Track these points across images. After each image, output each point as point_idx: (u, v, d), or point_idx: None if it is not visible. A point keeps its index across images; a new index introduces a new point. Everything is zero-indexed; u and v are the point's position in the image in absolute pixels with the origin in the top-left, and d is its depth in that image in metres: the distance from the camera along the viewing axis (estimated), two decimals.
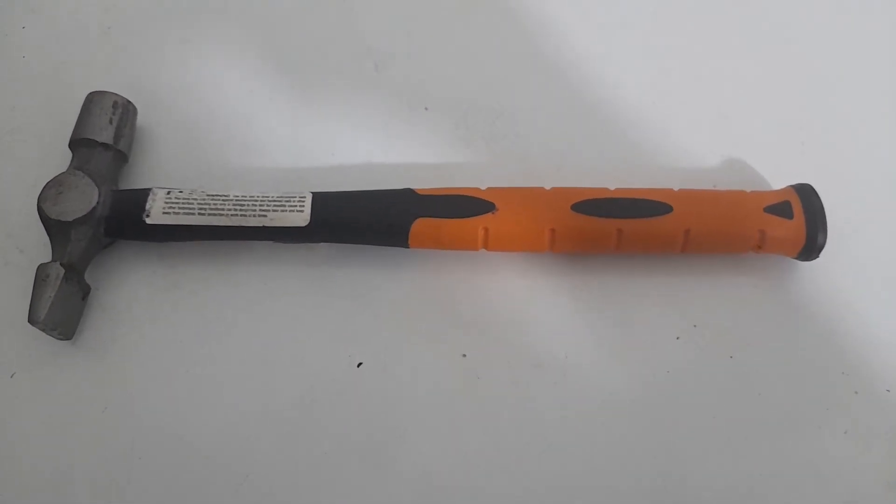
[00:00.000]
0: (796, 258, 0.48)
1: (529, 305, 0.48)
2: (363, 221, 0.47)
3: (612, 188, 0.48)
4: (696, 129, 0.54)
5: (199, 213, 0.46)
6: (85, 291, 0.47)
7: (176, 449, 0.44)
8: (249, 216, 0.46)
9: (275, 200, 0.47)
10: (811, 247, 0.47)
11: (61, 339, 0.46)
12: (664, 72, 0.57)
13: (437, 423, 0.45)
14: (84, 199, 0.46)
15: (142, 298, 0.48)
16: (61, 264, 0.44)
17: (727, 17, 0.59)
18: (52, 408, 0.45)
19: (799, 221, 0.47)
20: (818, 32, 0.59)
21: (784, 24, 0.59)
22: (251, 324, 0.48)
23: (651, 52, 0.58)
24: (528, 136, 0.54)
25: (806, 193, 0.48)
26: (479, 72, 0.57)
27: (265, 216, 0.46)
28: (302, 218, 0.46)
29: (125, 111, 0.51)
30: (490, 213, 0.46)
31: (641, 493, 0.44)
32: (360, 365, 0.47)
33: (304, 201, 0.47)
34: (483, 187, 0.48)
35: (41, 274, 0.44)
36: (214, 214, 0.46)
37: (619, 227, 0.46)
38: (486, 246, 0.47)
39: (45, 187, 0.46)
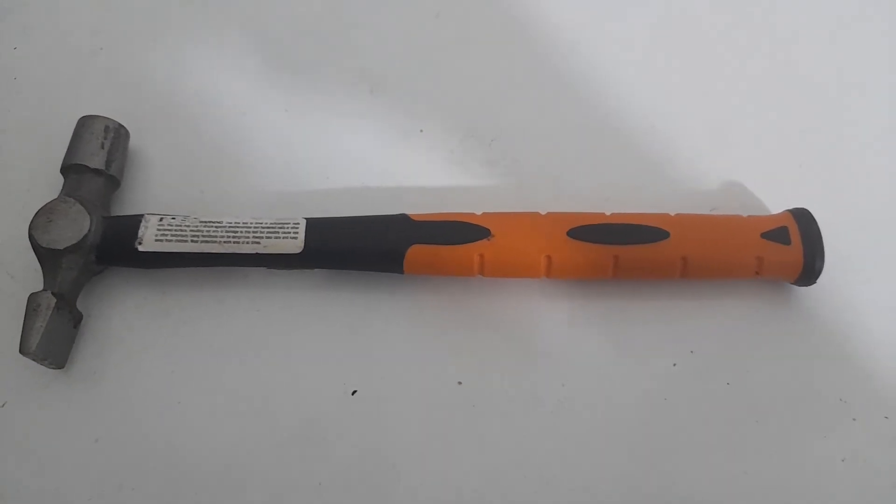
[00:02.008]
0: (794, 283, 0.48)
1: (525, 332, 0.48)
2: (358, 248, 0.47)
3: (609, 213, 0.48)
4: (693, 153, 0.54)
5: (192, 241, 0.46)
6: (77, 319, 0.47)
7: (168, 481, 0.44)
8: (243, 243, 0.46)
9: (268, 227, 0.46)
10: (809, 272, 0.47)
11: (53, 369, 0.46)
12: (662, 96, 0.57)
13: (432, 453, 0.45)
14: (75, 227, 0.46)
15: (134, 326, 0.48)
16: (52, 293, 0.44)
17: (724, 42, 0.59)
18: (43, 438, 0.45)
19: (796, 247, 0.47)
20: (816, 57, 0.59)
21: (782, 49, 0.59)
22: (245, 352, 0.48)
23: (649, 77, 0.58)
24: (524, 160, 0.54)
25: (803, 218, 0.48)
26: (475, 95, 0.57)
27: (259, 243, 0.46)
28: (296, 245, 0.46)
29: (117, 135, 0.51)
30: (485, 240, 0.46)
31: None
32: (354, 393, 0.46)
33: (297, 228, 0.47)
34: (478, 212, 0.48)
35: (32, 304, 0.44)
36: (207, 241, 0.46)
37: (616, 254, 0.46)
38: (481, 272, 0.47)
39: (36, 215, 0.46)
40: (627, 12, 0.60)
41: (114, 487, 0.44)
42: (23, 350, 0.43)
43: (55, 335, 0.44)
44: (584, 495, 0.44)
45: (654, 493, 0.44)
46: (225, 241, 0.46)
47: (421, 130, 0.55)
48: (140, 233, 0.46)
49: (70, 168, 0.49)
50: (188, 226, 0.46)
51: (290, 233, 0.46)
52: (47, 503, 0.44)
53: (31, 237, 0.45)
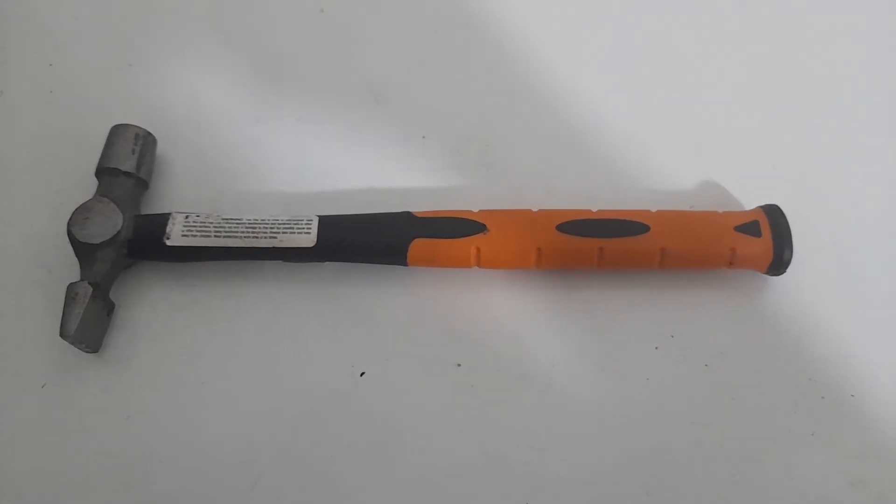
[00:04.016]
0: (765, 273, 0.51)
1: (518, 319, 0.51)
2: (365, 242, 0.49)
3: (595, 210, 0.50)
4: (673, 155, 0.57)
5: (216, 236, 0.49)
6: (110, 308, 0.49)
7: (192, 454, 0.47)
8: (261, 238, 0.49)
9: (284, 223, 0.49)
10: (778, 263, 0.49)
11: (88, 352, 0.48)
12: (643, 102, 0.59)
13: (433, 428, 0.48)
14: (109, 224, 0.48)
15: (161, 315, 0.50)
16: (89, 283, 0.47)
17: (702, 51, 0.62)
18: (79, 416, 0.48)
19: (767, 239, 0.49)
20: (787, 66, 0.61)
21: (754, 58, 0.62)
22: (262, 337, 0.50)
23: (631, 85, 0.60)
24: (516, 162, 0.56)
25: (773, 213, 0.50)
26: (472, 104, 0.59)
27: (275, 238, 0.49)
28: (309, 239, 0.49)
29: (146, 142, 0.53)
30: (482, 234, 0.49)
31: (622, 492, 0.46)
32: (362, 374, 0.49)
33: (311, 224, 0.49)
34: (475, 210, 0.50)
35: (71, 292, 0.46)
36: (229, 236, 0.49)
37: (601, 246, 0.49)
38: (478, 264, 0.50)
39: (74, 213, 0.48)
40: (610, 29, 0.62)
41: (143, 460, 0.46)
42: (62, 334, 0.45)
43: (91, 321, 0.47)
44: (571, 466, 0.47)
45: (635, 465, 0.47)
46: (245, 236, 0.49)
47: (423, 137, 0.57)
48: (168, 229, 0.49)
49: (104, 171, 0.51)
50: (211, 222, 0.49)
51: (303, 228, 0.49)
52: (83, 474, 0.46)
53: (69, 233, 0.48)
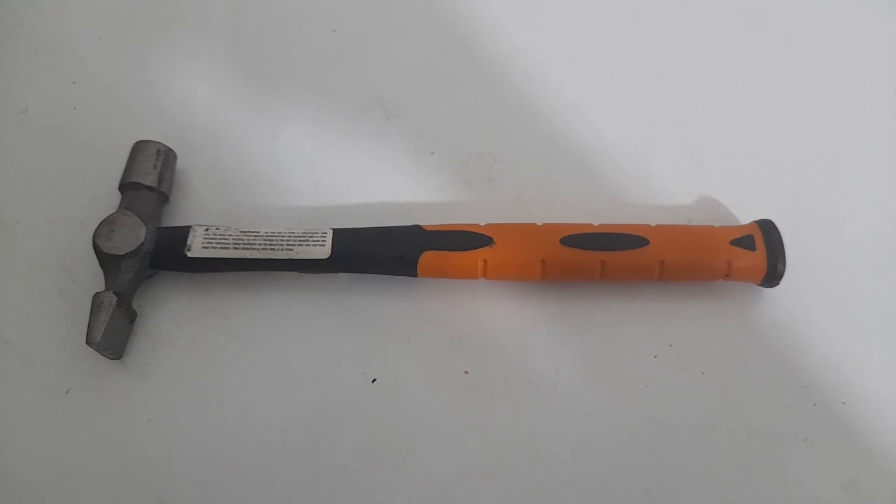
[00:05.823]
0: (760, 285, 0.52)
1: (523, 328, 0.52)
2: (377, 254, 0.51)
3: (596, 224, 0.52)
4: (672, 171, 0.58)
5: (234, 248, 0.50)
6: (132, 316, 0.51)
7: (210, 456, 0.48)
8: (278, 250, 0.50)
9: (300, 236, 0.51)
10: (772, 275, 0.51)
11: (112, 359, 0.50)
12: (643, 119, 0.60)
13: (442, 432, 0.49)
14: (133, 236, 0.50)
15: (181, 323, 0.52)
16: (113, 293, 0.48)
17: (700, 70, 0.63)
18: (101, 419, 0.49)
19: (761, 253, 0.51)
20: (781, 85, 0.63)
21: (750, 78, 0.63)
22: (277, 345, 0.51)
23: (632, 103, 0.61)
24: (522, 177, 0.58)
25: (767, 228, 0.52)
26: (479, 121, 0.60)
27: (291, 250, 0.50)
28: (324, 251, 0.50)
29: (167, 157, 0.55)
30: (488, 247, 0.50)
31: (622, 494, 0.48)
32: (374, 381, 0.50)
33: (325, 236, 0.51)
34: (482, 223, 0.52)
35: (97, 301, 0.48)
36: (247, 248, 0.50)
37: (602, 259, 0.50)
38: (485, 275, 0.51)
39: (99, 225, 0.50)
40: (611, 51, 0.64)
41: (163, 461, 0.48)
42: (89, 341, 0.47)
43: (115, 329, 0.49)
44: (572, 470, 0.48)
45: (635, 470, 0.48)
46: (262, 248, 0.50)
47: (431, 153, 0.59)
48: (189, 241, 0.50)
49: (127, 185, 0.53)
50: (230, 235, 0.51)
51: (318, 241, 0.50)
52: (106, 475, 0.48)
53: (94, 245, 0.50)
